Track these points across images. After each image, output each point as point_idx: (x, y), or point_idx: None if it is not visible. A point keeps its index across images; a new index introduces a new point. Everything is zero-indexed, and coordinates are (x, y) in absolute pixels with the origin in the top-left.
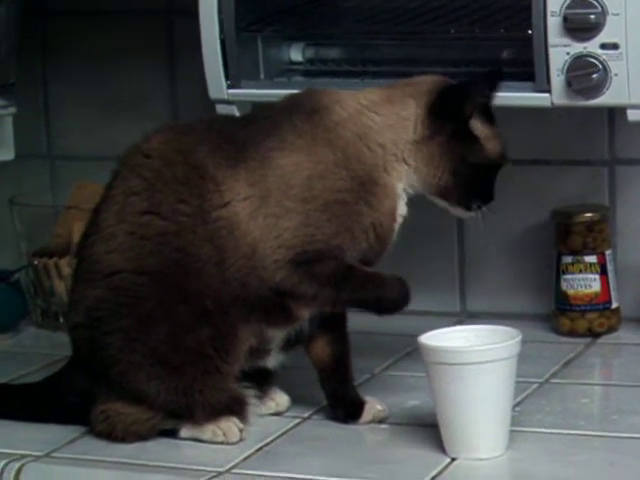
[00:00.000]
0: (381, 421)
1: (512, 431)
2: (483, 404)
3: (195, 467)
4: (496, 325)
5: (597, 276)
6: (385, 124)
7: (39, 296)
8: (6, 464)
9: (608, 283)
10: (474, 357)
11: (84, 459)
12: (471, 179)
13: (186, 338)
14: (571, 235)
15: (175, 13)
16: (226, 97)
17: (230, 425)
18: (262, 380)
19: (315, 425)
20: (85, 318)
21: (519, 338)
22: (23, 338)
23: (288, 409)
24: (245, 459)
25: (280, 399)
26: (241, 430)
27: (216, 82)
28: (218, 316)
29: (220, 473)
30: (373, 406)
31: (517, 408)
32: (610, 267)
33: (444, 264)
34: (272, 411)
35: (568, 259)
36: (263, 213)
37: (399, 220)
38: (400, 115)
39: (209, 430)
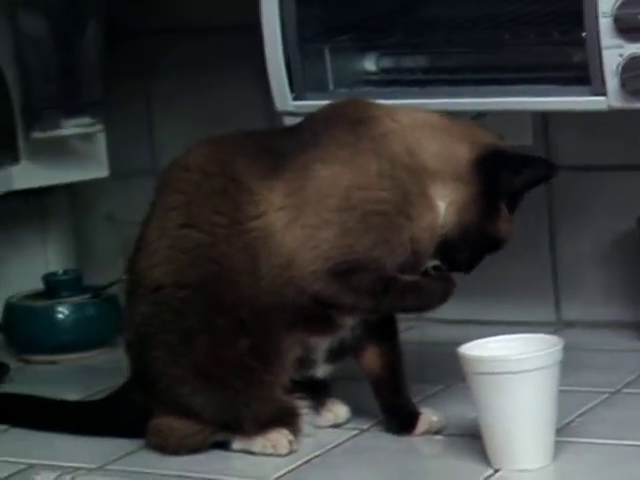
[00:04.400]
0: (437, 432)
1: (566, 442)
2: (523, 414)
3: (239, 478)
4: (545, 334)
5: None
6: (436, 148)
7: None
8: (57, 477)
9: None
10: (511, 366)
11: (136, 472)
12: (471, 244)
13: (226, 350)
14: None
15: None
16: (292, 109)
17: (279, 437)
18: (319, 391)
19: (372, 437)
20: (135, 335)
21: (559, 347)
22: (119, 353)
23: (347, 421)
24: (292, 470)
25: (338, 410)
26: (291, 442)
27: (281, 94)
28: (255, 327)
29: None
30: (428, 417)
31: (579, 419)
32: None
33: (537, 272)
34: (331, 423)
35: None
36: (300, 224)
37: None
38: (453, 148)
39: (259, 442)
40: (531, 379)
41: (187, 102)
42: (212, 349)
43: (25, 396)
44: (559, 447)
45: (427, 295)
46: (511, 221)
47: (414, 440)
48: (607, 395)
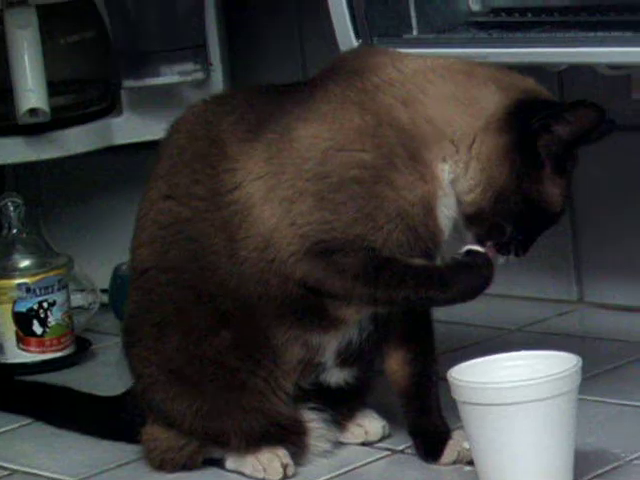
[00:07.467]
0: (470, 462)
1: None
2: (519, 453)
3: None
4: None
5: None
6: (448, 95)
7: None
8: None
9: None
10: (501, 396)
11: None
12: (512, 214)
13: (199, 346)
14: None
15: None
16: None
17: (271, 458)
18: (347, 401)
19: (399, 462)
20: (125, 325)
21: (569, 372)
22: None
23: (382, 439)
24: None
25: (370, 426)
26: (285, 465)
27: (345, 39)
28: (238, 319)
29: None
30: (458, 443)
31: None
32: None
33: None
34: (360, 440)
35: None
36: (278, 196)
37: (444, 220)
38: (472, 93)
39: (249, 463)
40: (528, 412)
41: None
42: (183, 344)
43: (45, 386)
44: None
45: (443, 283)
46: (560, 185)
47: (443, 470)
48: None
